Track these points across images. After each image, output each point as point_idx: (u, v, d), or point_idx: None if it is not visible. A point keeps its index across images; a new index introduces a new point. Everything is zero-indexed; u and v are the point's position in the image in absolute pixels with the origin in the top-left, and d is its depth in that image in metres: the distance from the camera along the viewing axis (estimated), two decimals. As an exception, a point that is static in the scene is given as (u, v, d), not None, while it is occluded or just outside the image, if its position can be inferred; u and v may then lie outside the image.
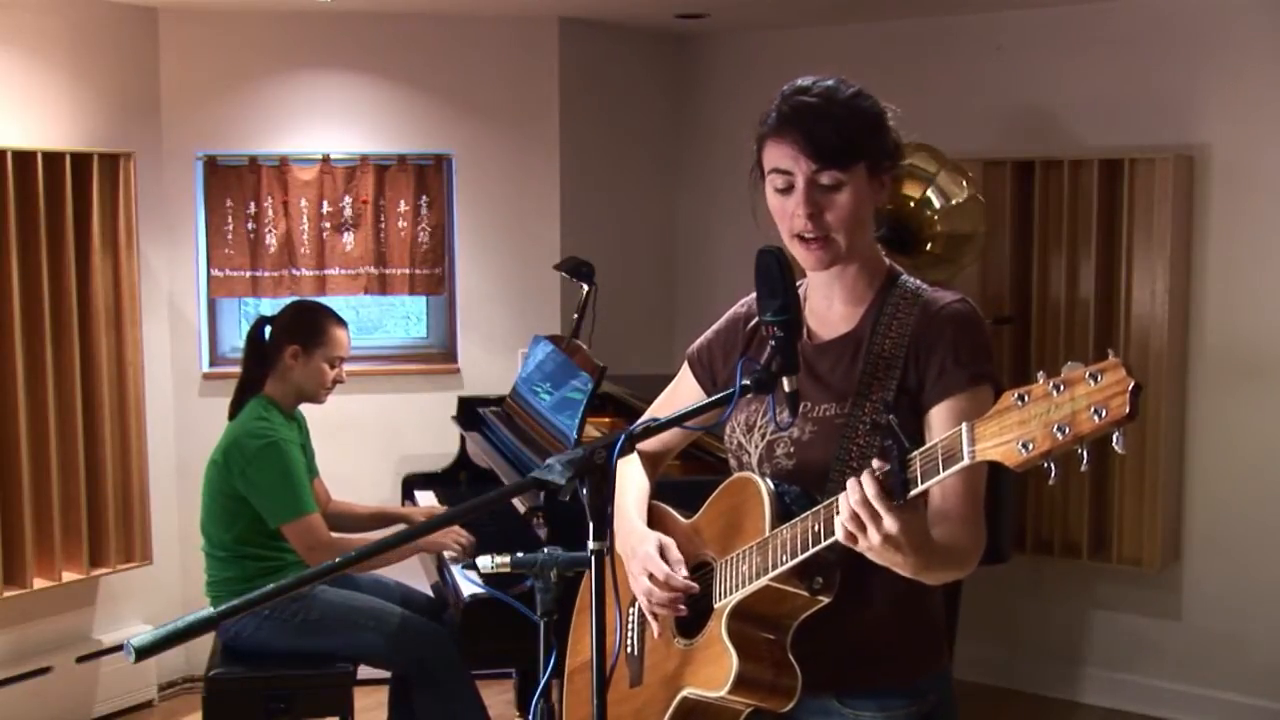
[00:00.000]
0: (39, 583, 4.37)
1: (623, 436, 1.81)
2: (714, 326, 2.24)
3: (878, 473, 1.67)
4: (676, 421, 1.96)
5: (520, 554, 2.04)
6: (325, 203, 5.00)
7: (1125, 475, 4.59)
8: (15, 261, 4.22)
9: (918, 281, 2.04)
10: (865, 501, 1.66)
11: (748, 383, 1.89)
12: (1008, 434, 1.54)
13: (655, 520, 2.17)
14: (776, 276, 1.86)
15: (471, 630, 3.34)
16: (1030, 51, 4.86)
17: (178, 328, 4.98)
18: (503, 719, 4.49)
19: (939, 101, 4.94)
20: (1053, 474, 1.53)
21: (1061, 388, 1.50)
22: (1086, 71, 4.74)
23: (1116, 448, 1.47)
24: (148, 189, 4.73)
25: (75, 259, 4.39)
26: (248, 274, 4.99)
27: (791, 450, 1.98)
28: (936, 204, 4.36)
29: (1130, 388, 1.44)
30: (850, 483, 1.68)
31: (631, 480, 2.23)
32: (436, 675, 3.68)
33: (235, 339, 5.14)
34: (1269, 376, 4.48)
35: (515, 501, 3.50)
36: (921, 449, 1.65)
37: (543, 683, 1.91)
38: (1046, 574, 4.89)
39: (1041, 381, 1.52)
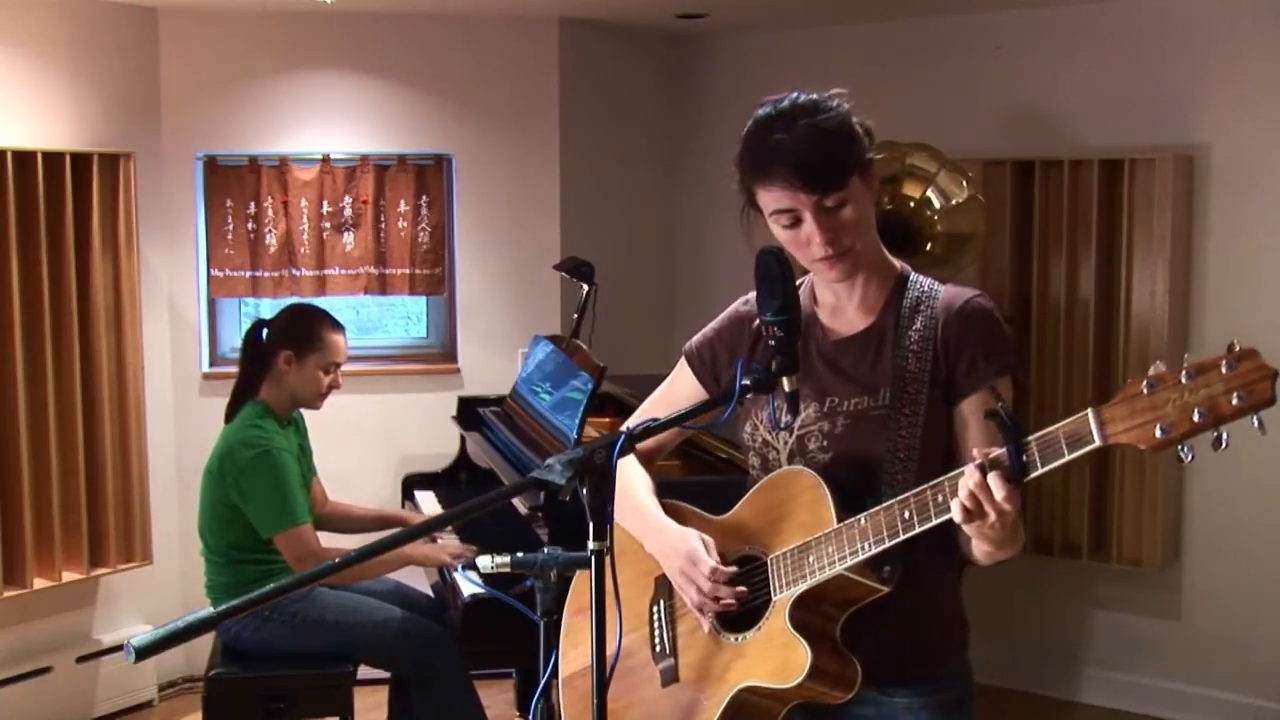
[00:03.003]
0: (39, 583, 4.38)
1: (622, 436, 1.81)
2: (713, 324, 2.24)
3: (988, 460, 1.71)
4: (676, 421, 1.96)
5: (520, 554, 2.04)
6: (325, 203, 5.00)
7: (1125, 475, 4.59)
8: (15, 261, 4.22)
9: (929, 279, 2.08)
10: (984, 487, 1.70)
11: (748, 382, 1.89)
12: (1141, 418, 1.60)
13: (679, 519, 2.17)
14: (776, 276, 1.88)
15: (471, 630, 3.34)
16: (1030, 51, 4.86)
17: (178, 328, 4.98)
18: (503, 719, 4.49)
19: (939, 101, 4.95)
20: (1190, 457, 1.59)
21: (1193, 373, 1.57)
22: (1086, 71, 4.74)
23: (1260, 430, 1.55)
24: (148, 189, 4.73)
25: (75, 259, 4.39)
26: (248, 274, 4.99)
27: (825, 444, 2.01)
28: (936, 204, 4.36)
29: (1272, 373, 1.53)
30: (970, 468, 1.72)
31: (638, 478, 2.23)
32: (436, 676, 3.68)
33: (235, 339, 5.13)
34: (1269, 376, 4.48)
35: (515, 501, 3.50)
36: (1038, 434, 1.69)
37: (543, 683, 1.91)
38: (1046, 574, 4.89)
39: (1165, 369, 1.60)
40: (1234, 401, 1.53)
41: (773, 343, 1.89)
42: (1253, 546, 4.54)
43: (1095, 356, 4.60)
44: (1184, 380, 1.58)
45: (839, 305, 2.08)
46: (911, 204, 4.34)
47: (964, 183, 4.39)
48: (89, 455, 4.48)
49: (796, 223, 1.95)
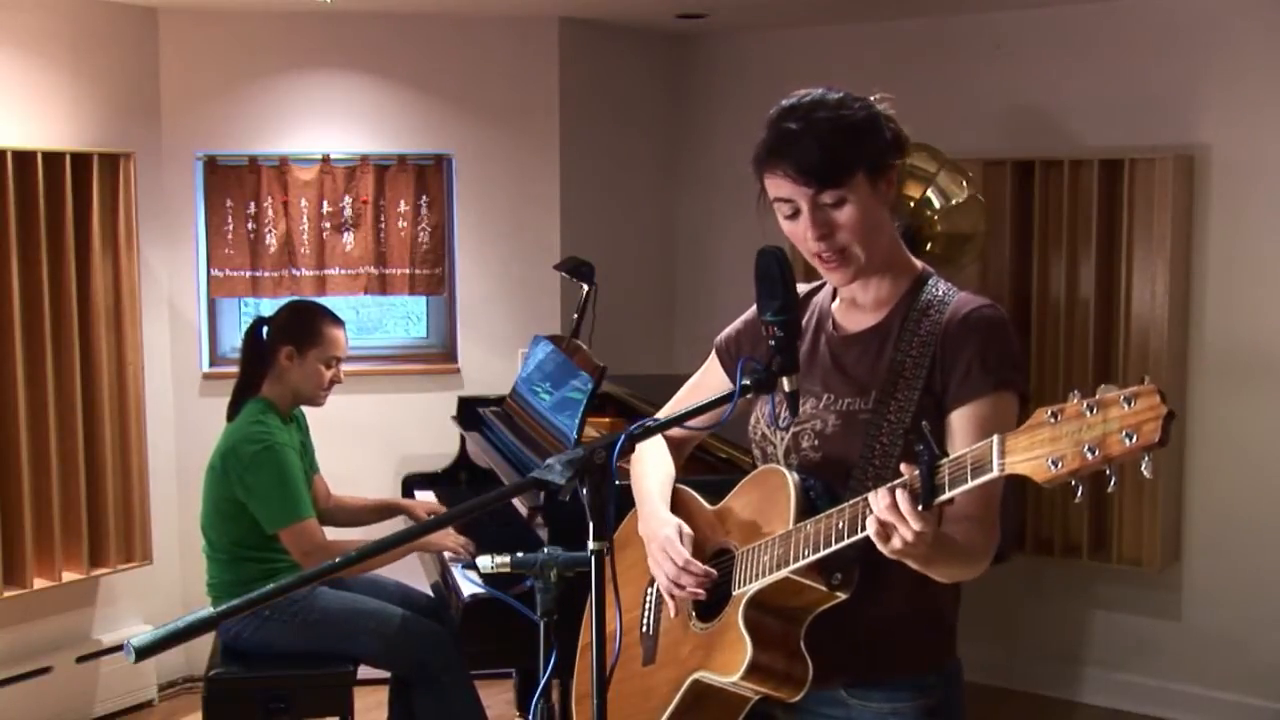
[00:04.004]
0: (39, 583, 4.37)
1: (623, 437, 1.81)
2: (743, 316, 2.25)
3: (907, 479, 1.69)
4: (676, 421, 1.97)
5: (520, 554, 2.04)
6: (325, 203, 5.00)
7: (1125, 475, 4.57)
8: (15, 261, 4.22)
9: (948, 285, 2.04)
10: (894, 508, 1.69)
11: (747, 382, 1.90)
12: (1038, 449, 1.57)
13: (680, 504, 2.19)
14: (776, 276, 1.87)
15: (471, 630, 3.34)
16: (1030, 51, 4.86)
17: (178, 328, 4.98)
18: (503, 719, 4.50)
19: (939, 101, 4.94)
20: (1079, 493, 1.56)
21: (1095, 409, 1.52)
22: (1086, 71, 4.74)
23: (1145, 472, 1.50)
24: (148, 189, 4.73)
25: (75, 259, 4.39)
26: (248, 274, 4.99)
27: (816, 442, 2.00)
28: (936, 204, 4.36)
29: (1163, 414, 1.47)
30: (881, 491, 1.70)
31: (656, 464, 2.26)
32: (436, 676, 3.68)
33: (235, 339, 5.13)
34: (1269, 377, 4.48)
35: (516, 502, 3.50)
36: (950, 458, 1.67)
37: (543, 683, 1.91)
38: (1046, 574, 4.89)
39: (1075, 401, 1.55)
40: (1124, 441, 1.49)
41: (772, 343, 1.89)
42: (1253, 546, 4.54)
43: (1095, 356, 4.60)
44: (1086, 413, 1.53)
45: (853, 301, 2.07)
46: (911, 204, 4.34)
47: (964, 183, 4.39)
48: (89, 455, 4.48)
49: (796, 214, 1.95)
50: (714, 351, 2.28)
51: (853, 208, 1.92)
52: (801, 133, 1.91)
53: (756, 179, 1.99)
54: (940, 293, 2.01)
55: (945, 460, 1.67)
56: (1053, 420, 1.56)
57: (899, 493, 1.68)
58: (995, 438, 1.61)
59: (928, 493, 1.67)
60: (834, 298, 2.11)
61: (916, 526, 1.68)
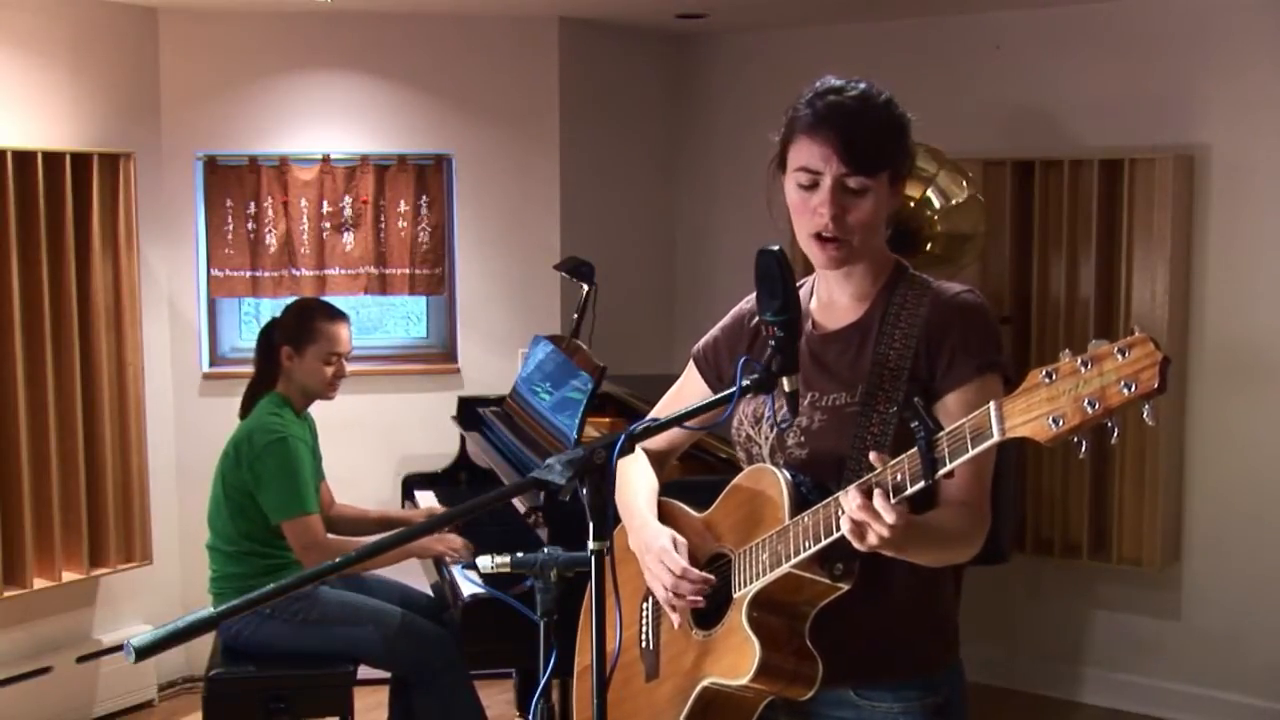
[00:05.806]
0: (39, 583, 4.37)
1: (623, 436, 1.81)
2: (719, 324, 2.25)
3: (877, 474, 1.69)
4: (676, 421, 1.97)
5: (520, 554, 2.04)
6: (325, 203, 5.00)
7: (1125, 475, 4.59)
8: (15, 261, 4.23)
9: (925, 276, 2.06)
10: (867, 506, 1.69)
11: (748, 383, 1.90)
12: (1036, 410, 1.57)
13: (666, 516, 2.18)
14: (776, 277, 1.88)
15: (471, 630, 3.34)
16: (1030, 51, 4.86)
17: (178, 328, 4.98)
18: (503, 719, 4.50)
19: (939, 101, 4.94)
20: (1083, 449, 1.55)
21: (1090, 364, 1.53)
22: (1086, 71, 4.74)
23: (1148, 420, 1.50)
24: (148, 189, 4.73)
25: (75, 259, 4.39)
26: (248, 274, 4.99)
27: (802, 439, 2.00)
28: (936, 204, 4.35)
29: (1159, 360, 1.47)
30: (852, 490, 1.71)
31: (640, 478, 2.24)
32: (436, 676, 3.68)
33: (235, 339, 5.14)
34: (1269, 376, 4.48)
35: (515, 501, 3.50)
36: (947, 429, 1.67)
37: (543, 683, 1.91)
38: (1046, 574, 4.89)
39: (1068, 358, 1.56)
40: (1123, 391, 1.49)
41: (772, 343, 1.89)
42: (1253, 546, 4.54)
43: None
44: (1081, 369, 1.54)
45: (832, 299, 2.08)
46: (911, 204, 4.33)
47: (964, 183, 4.39)
48: (89, 455, 4.48)
49: (814, 187, 1.95)
50: (692, 361, 2.27)
51: (870, 201, 1.95)
52: (856, 111, 1.93)
53: (781, 141, 2.00)
54: (918, 285, 2.03)
55: (943, 433, 1.67)
56: (1048, 380, 1.57)
57: (873, 491, 1.69)
58: (992, 404, 1.62)
59: (928, 467, 1.66)
60: (811, 297, 2.12)
61: (890, 520, 1.68)
